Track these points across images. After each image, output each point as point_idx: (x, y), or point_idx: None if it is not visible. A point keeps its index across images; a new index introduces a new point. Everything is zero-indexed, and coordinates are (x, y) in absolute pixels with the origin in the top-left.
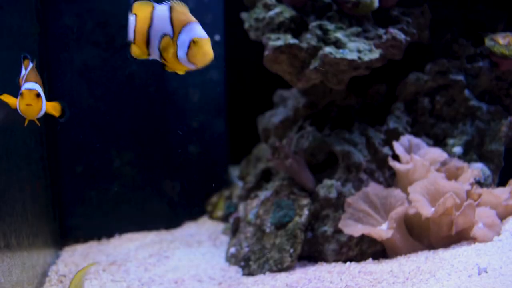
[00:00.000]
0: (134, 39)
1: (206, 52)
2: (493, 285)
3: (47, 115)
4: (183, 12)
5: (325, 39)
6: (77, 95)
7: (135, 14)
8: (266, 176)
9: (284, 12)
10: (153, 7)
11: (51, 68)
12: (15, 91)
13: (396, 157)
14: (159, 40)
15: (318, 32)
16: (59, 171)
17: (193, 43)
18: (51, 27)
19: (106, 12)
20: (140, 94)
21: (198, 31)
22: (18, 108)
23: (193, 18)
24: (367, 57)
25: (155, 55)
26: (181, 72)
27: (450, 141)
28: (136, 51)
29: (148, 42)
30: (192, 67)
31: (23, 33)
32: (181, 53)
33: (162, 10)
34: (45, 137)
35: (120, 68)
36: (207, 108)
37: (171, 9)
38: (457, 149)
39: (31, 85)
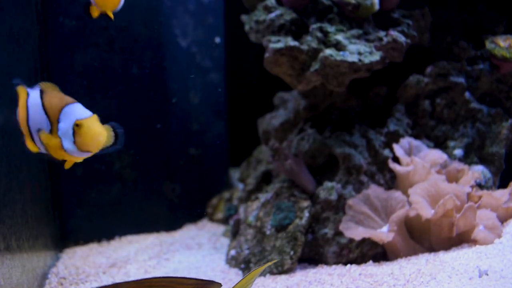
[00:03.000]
0: (23, 132)
1: (97, 133)
2: None
3: None
4: (55, 94)
5: (325, 42)
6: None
7: (18, 101)
8: (266, 179)
9: (285, 15)
10: (27, 94)
11: (51, 70)
12: (15, 91)
13: (396, 159)
14: (37, 135)
15: (319, 34)
16: (59, 173)
17: (76, 127)
18: (52, 29)
19: (107, 14)
20: (140, 96)
21: (78, 111)
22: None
23: (68, 98)
24: (367, 59)
25: (43, 150)
26: (79, 160)
27: (451, 144)
28: (29, 144)
29: (32, 136)
30: (86, 155)
31: (23, 34)
32: (68, 144)
33: (34, 97)
34: None
35: (121, 70)
36: (208, 110)
37: (41, 93)
38: (458, 152)
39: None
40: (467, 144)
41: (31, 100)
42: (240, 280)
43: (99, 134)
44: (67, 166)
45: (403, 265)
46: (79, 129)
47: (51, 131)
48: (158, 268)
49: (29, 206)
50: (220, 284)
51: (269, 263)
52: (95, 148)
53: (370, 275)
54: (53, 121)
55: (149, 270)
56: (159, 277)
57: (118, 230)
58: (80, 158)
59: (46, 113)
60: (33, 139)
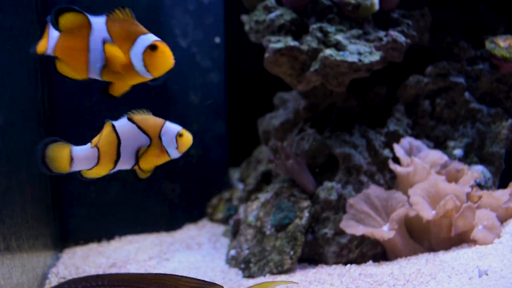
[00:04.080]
0: (97, 163)
1: (191, 139)
2: None
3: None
4: (146, 117)
5: (325, 42)
6: (77, 97)
7: (90, 142)
8: (266, 179)
9: (285, 15)
10: (111, 124)
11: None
12: (15, 91)
13: (396, 160)
14: (135, 151)
15: (319, 34)
16: None
17: (179, 137)
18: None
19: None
20: (140, 96)
21: (173, 126)
22: (143, 70)
23: (158, 119)
24: (367, 59)
25: (126, 166)
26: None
27: (451, 144)
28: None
29: (117, 159)
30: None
31: (24, 35)
32: (172, 151)
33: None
34: None
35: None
36: (208, 110)
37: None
38: (458, 152)
39: (154, 37)
40: (467, 144)
41: (121, 126)
42: None
43: (191, 139)
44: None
45: (403, 265)
46: (181, 138)
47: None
48: (158, 268)
49: (29, 206)
50: (221, 287)
51: (282, 282)
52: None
53: (370, 275)
54: (153, 137)
55: (149, 270)
56: (165, 274)
57: (118, 230)
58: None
59: (144, 132)
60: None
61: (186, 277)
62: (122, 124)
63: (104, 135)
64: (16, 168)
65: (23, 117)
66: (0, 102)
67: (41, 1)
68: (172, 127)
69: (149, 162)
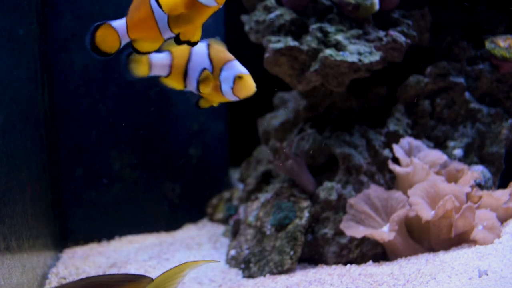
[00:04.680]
0: (170, 73)
1: (252, 87)
2: None
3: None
4: (221, 49)
5: (325, 42)
6: (77, 97)
7: (169, 51)
8: (266, 179)
9: (285, 15)
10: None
11: (51, 71)
12: (15, 91)
13: (396, 160)
14: (198, 73)
15: (319, 34)
16: (59, 173)
17: (238, 78)
18: (52, 29)
19: (107, 15)
20: (140, 96)
21: (239, 67)
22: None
23: (230, 55)
24: (367, 59)
25: (191, 87)
26: (215, 104)
27: (451, 144)
28: (171, 83)
29: (185, 76)
30: (234, 99)
31: (24, 35)
32: (226, 87)
33: (199, 48)
34: (45, 139)
35: (121, 71)
36: (208, 110)
37: (208, 46)
38: (458, 152)
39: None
40: (467, 144)
41: (196, 49)
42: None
43: (252, 88)
44: (203, 103)
45: (403, 265)
46: (240, 80)
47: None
48: (158, 268)
49: (29, 206)
50: (151, 279)
51: (202, 262)
52: (243, 97)
53: (370, 275)
54: (217, 68)
55: (149, 270)
56: (89, 277)
57: (118, 230)
58: (220, 100)
59: (210, 61)
60: (184, 80)
61: (109, 275)
62: (198, 46)
63: (180, 50)
64: (16, 168)
65: (23, 117)
66: (0, 102)
67: (41, 1)
68: (235, 66)
69: (207, 89)
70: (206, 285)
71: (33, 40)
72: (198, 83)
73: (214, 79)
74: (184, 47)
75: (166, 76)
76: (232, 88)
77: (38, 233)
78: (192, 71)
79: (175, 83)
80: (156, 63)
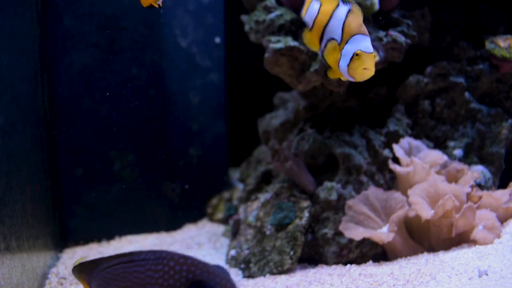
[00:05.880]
0: (312, 27)
1: (368, 68)
2: None
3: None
4: (357, 20)
5: None
6: (77, 97)
7: (321, 3)
8: (266, 179)
9: (285, 15)
10: (338, 4)
11: (52, 71)
12: (15, 91)
13: (396, 160)
14: (325, 42)
15: None
16: (59, 173)
17: (356, 56)
18: (52, 30)
19: (107, 15)
20: (140, 96)
21: (364, 43)
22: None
23: (364, 29)
24: None
25: (320, 52)
26: (344, 79)
27: (451, 144)
28: (308, 39)
29: (321, 38)
30: (350, 80)
31: (24, 35)
32: (343, 63)
33: (342, 11)
34: (45, 139)
35: (121, 71)
36: (208, 110)
37: (348, 12)
38: (458, 152)
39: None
40: (467, 144)
41: (338, 11)
42: None
43: (369, 70)
44: (331, 75)
45: (403, 265)
46: (357, 58)
47: (338, 45)
48: None
49: (29, 206)
50: None
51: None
52: (359, 78)
53: (370, 275)
54: (344, 40)
55: None
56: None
57: (118, 230)
58: (341, 76)
59: (342, 29)
60: (319, 41)
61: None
62: (340, 8)
63: (326, 9)
64: (16, 168)
65: (23, 117)
66: (0, 102)
67: (41, 1)
68: (359, 41)
69: (329, 58)
70: None
71: (33, 40)
72: (323, 51)
73: (339, 51)
74: (331, 5)
75: (310, 30)
76: (348, 66)
77: (38, 233)
78: (326, 34)
79: (312, 42)
80: (312, 9)
